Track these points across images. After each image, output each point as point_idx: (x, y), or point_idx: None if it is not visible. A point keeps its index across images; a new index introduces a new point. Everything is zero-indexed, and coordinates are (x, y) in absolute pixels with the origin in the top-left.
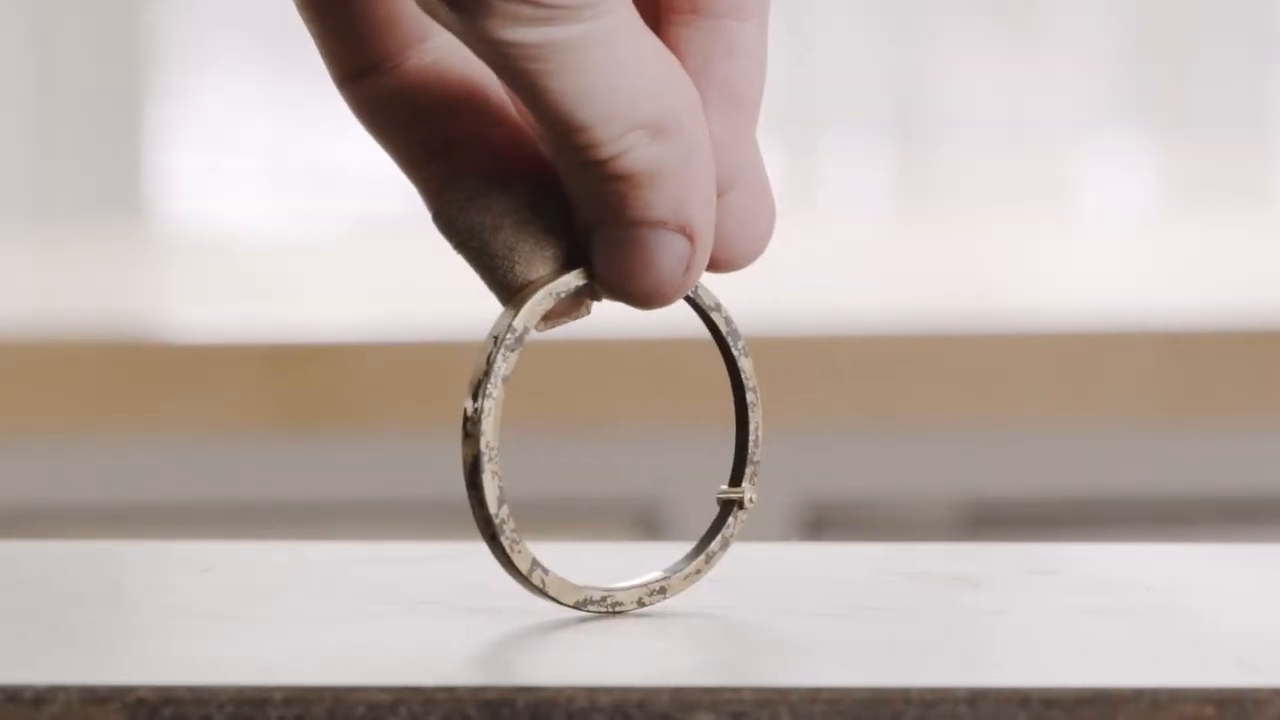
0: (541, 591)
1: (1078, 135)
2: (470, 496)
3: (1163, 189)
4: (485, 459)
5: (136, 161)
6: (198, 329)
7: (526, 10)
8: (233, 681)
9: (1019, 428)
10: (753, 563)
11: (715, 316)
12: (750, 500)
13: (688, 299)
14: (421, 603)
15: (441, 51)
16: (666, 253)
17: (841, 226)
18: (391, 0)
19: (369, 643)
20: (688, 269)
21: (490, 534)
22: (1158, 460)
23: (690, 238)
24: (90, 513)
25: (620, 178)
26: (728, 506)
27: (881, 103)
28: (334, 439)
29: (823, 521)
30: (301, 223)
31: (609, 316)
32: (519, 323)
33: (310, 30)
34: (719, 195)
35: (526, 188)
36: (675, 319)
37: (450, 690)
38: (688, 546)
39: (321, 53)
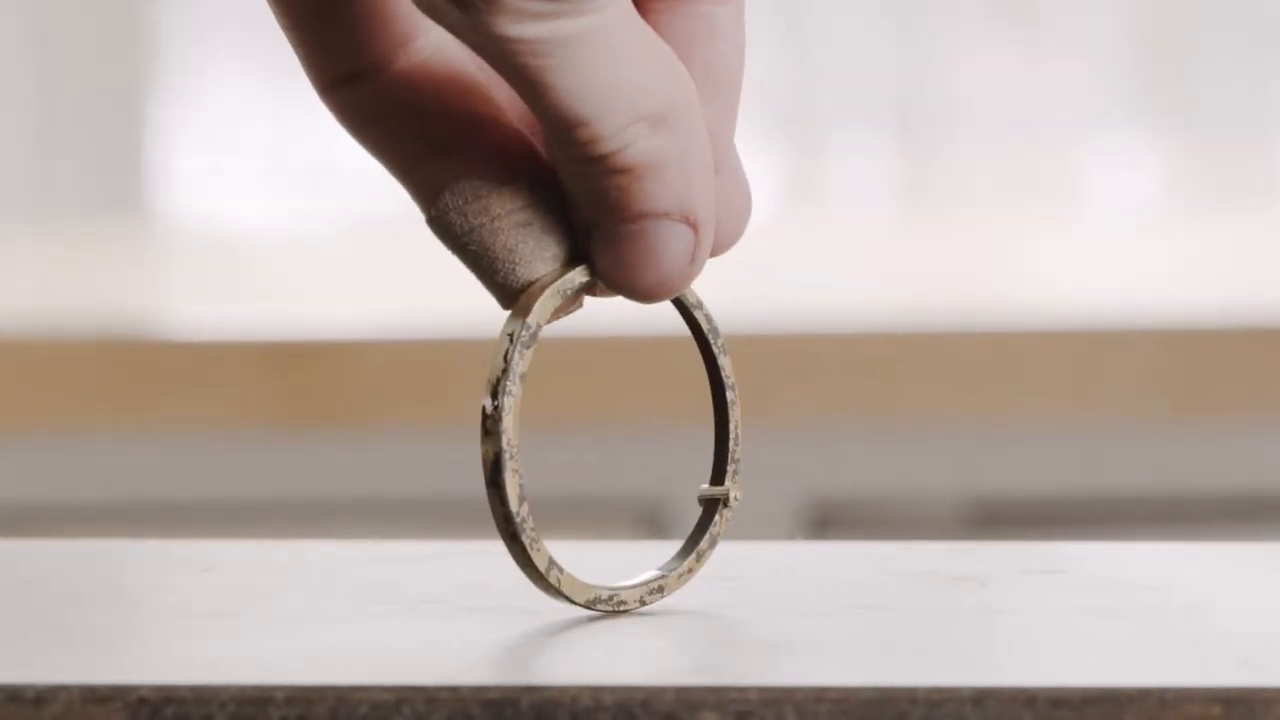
0: (557, 591)
1: (1081, 134)
2: (491, 495)
3: (1166, 187)
4: (507, 457)
5: (137, 161)
6: (198, 327)
7: (534, 5)
8: (234, 681)
9: (1024, 426)
10: (755, 562)
11: (697, 314)
12: (735, 498)
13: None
14: (422, 602)
15: (427, 53)
16: (671, 244)
17: (845, 224)
18: (375, 3)
19: (370, 642)
20: (692, 259)
21: (511, 533)
22: (1163, 459)
23: (694, 227)
24: (90, 512)
25: (623, 171)
26: (712, 505)
27: (885, 101)
28: (334, 437)
29: (827, 520)
30: (302, 221)
31: (613, 314)
32: (533, 320)
33: (290, 39)
34: None
35: (524, 187)
36: (679, 317)
37: (454, 690)
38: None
39: (302, 61)
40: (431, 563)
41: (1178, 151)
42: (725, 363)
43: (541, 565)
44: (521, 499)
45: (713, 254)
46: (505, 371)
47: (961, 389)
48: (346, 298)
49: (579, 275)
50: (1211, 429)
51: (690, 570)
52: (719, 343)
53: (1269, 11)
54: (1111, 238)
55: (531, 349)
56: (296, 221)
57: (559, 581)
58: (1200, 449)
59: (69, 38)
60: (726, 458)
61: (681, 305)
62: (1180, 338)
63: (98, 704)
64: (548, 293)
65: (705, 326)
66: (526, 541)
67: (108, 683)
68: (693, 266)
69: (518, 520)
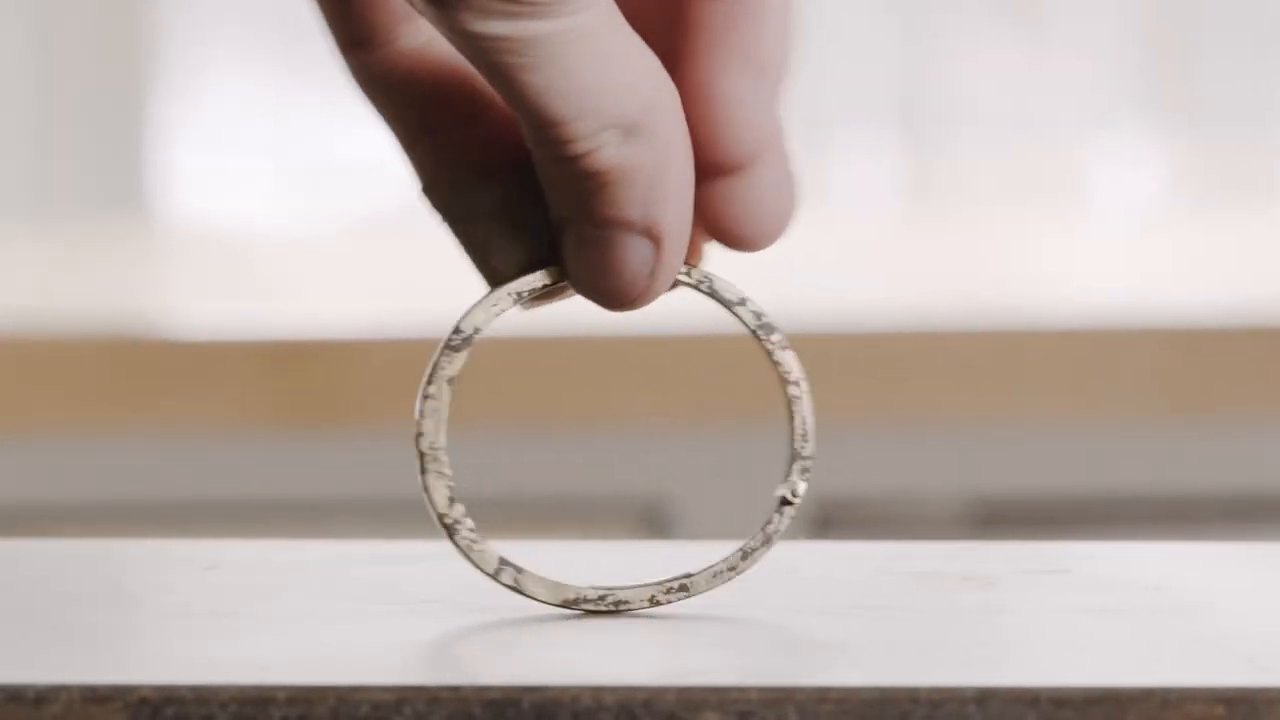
0: (516, 590)
1: (1085, 133)
2: (424, 499)
3: (1170, 187)
4: (428, 460)
5: (138, 159)
6: (199, 326)
7: (498, 5)
8: (235, 681)
9: (1026, 426)
10: (756, 562)
11: (740, 312)
12: (793, 495)
13: (713, 296)
14: (422, 602)
15: (430, 33)
16: (630, 255)
17: (848, 224)
18: None
19: (370, 642)
20: (652, 273)
21: (447, 534)
22: (1165, 459)
23: (657, 240)
24: (90, 512)
25: (591, 174)
26: (778, 503)
27: (888, 100)
28: (335, 437)
29: (830, 519)
30: (303, 220)
31: (613, 314)
32: (466, 324)
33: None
34: (742, 169)
35: (509, 181)
36: (681, 315)
37: (455, 690)
38: (693, 545)
39: (322, 19)
40: (431, 563)
41: (1181, 151)
42: (784, 358)
43: (488, 566)
44: (451, 500)
45: (754, 248)
46: (430, 374)
47: (964, 388)
48: (346, 298)
49: (539, 279)
50: (1213, 429)
51: (732, 569)
52: (774, 338)
53: (1273, 11)
54: (1115, 237)
55: (464, 352)
56: (297, 221)
57: (516, 582)
58: (1202, 449)
59: (69, 38)
60: (792, 455)
61: (726, 305)
62: (1183, 337)
63: (98, 704)
64: (494, 296)
65: (754, 324)
66: (462, 543)
67: (108, 683)
68: (652, 280)
69: (448, 522)
